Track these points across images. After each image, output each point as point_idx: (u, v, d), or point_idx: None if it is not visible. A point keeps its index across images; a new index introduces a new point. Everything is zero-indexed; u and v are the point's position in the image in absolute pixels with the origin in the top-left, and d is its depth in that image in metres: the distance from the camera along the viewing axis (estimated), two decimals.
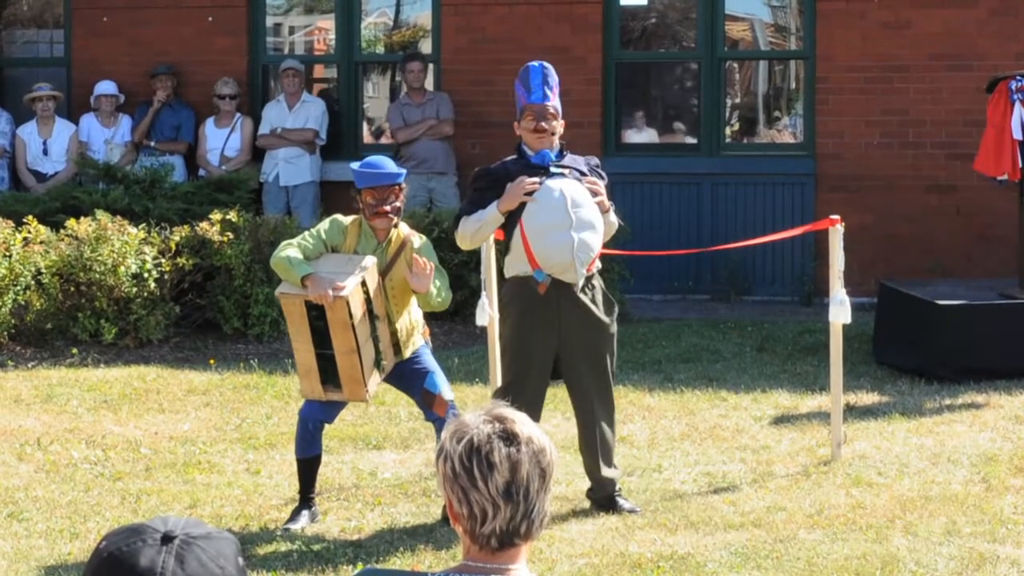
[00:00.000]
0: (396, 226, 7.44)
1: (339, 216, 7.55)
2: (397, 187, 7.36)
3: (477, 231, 7.53)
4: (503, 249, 7.62)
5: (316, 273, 7.16)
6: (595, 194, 7.47)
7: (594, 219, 7.43)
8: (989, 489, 7.86)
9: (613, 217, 7.68)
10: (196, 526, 2.40)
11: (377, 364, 7.35)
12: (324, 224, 7.49)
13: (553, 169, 7.46)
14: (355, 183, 7.41)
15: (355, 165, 7.54)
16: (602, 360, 7.60)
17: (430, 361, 7.55)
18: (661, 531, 7.26)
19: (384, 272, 7.39)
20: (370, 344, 7.29)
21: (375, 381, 7.38)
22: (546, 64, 7.61)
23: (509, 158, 7.63)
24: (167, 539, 2.35)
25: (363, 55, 14.64)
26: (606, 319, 7.57)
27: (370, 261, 7.28)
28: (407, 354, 7.50)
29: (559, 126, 7.55)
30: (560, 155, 7.56)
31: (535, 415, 7.39)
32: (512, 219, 7.42)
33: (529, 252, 7.37)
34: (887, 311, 10.98)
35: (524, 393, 7.28)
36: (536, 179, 7.38)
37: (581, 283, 7.43)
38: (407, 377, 7.52)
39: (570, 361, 7.57)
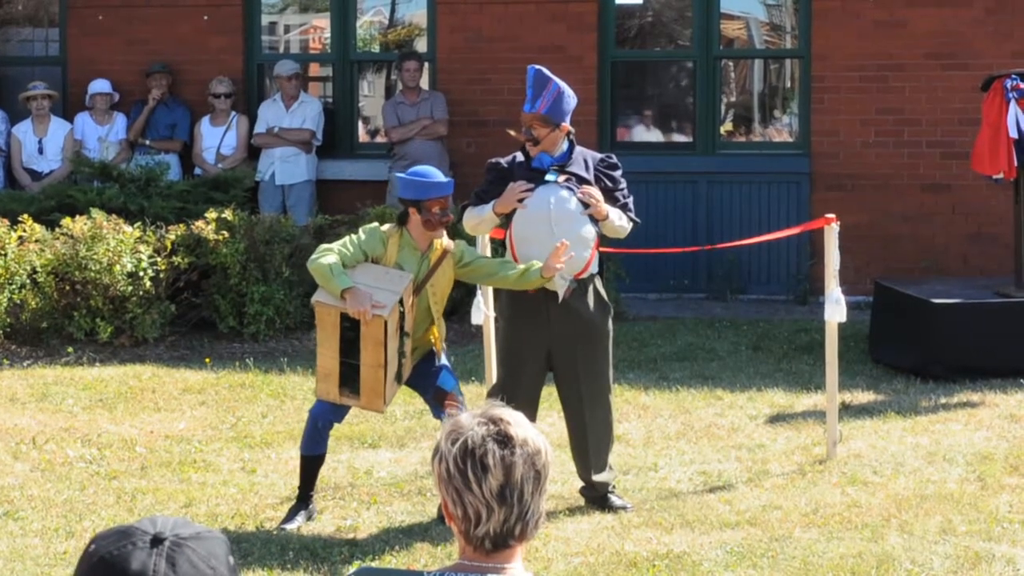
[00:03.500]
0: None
1: (378, 225, 7.50)
2: (447, 199, 7.41)
3: (476, 225, 7.70)
4: (502, 247, 7.67)
5: (356, 287, 7.13)
6: (588, 205, 7.47)
7: (583, 233, 7.46)
8: (984, 488, 7.86)
9: (618, 221, 7.64)
10: (185, 526, 2.39)
11: (398, 376, 7.36)
12: (363, 233, 7.40)
13: (549, 176, 7.46)
14: (412, 194, 7.31)
15: (403, 175, 7.51)
16: (595, 362, 7.60)
17: (443, 360, 7.57)
18: (657, 530, 7.26)
19: (426, 279, 7.38)
20: (396, 359, 7.30)
21: (392, 393, 7.41)
22: (540, 68, 7.58)
23: (519, 152, 7.66)
24: (157, 541, 2.35)
25: (359, 54, 14.63)
26: (597, 320, 7.58)
27: (407, 279, 7.26)
28: (425, 347, 7.52)
29: (551, 133, 7.51)
30: (567, 155, 7.55)
31: (530, 416, 7.38)
32: (508, 220, 7.50)
33: (515, 258, 7.44)
34: (883, 310, 10.98)
35: (517, 395, 7.29)
36: (529, 186, 7.40)
37: (562, 295, 7.45)
38: (420, 374, 7.53)
39: (561, 363, 7.58)
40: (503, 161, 7.65)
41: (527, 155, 7.58)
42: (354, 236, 7.41)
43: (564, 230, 7.40)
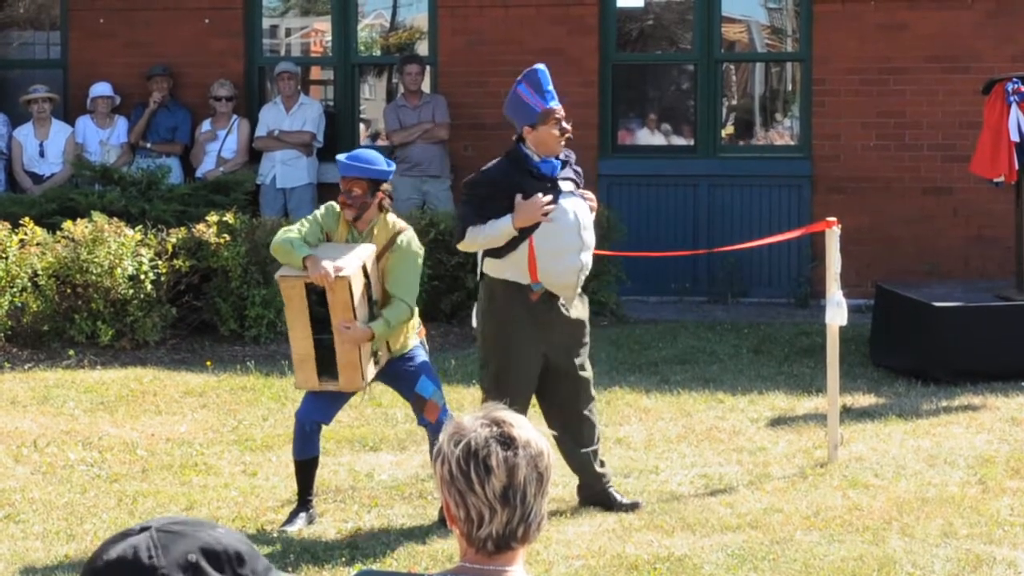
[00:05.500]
0: (359, 218, 7.39)
1: (334, 203, 7.57)
2: (361, 180, 7.33)
3: (488, 242, 7.45)
4: (492, 252, 7.54)
5: (315, 254, 7.16)
6: (592, 209, 7.58)
7: (593, 238, 7.59)
8: (985, 491, 7.86)
9: None
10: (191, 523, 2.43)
11: (373, 352, 7.32)
12: (320, 209, 7.54)
13: (561, 183, 7.46)
14: None
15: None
16: (585, 356, 7.70)
17: (424, 362, 7.53)
18: (658, 533, 7.26)
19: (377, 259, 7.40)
20: None
21: (371, 370, 7.33)
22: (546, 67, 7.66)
23: (504, 161, 7.53)
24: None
25: (360, 57, 14.63)
26: (585, 315, 7.72)
27: (370, 248, 7.29)
28: (397, 347, 7.47)
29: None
30: (562, 163, 7.56)
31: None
32: (521, 233, 7.39)
33: (533, 268, 7.39)
34: (884, 313, 10.98)
35: (514, 398, 7.27)
36: (550, 199, 7.37)
37: (570, 305, 7.51)
38: (400, 377, 7.51)
39: (559, 364, 7.58)
40: (495, 172, 7.51)
41: (524, 159, 7.50)
42: (311, 215, 7.52)
43: (589, 238, 7.50)
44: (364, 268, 7.22)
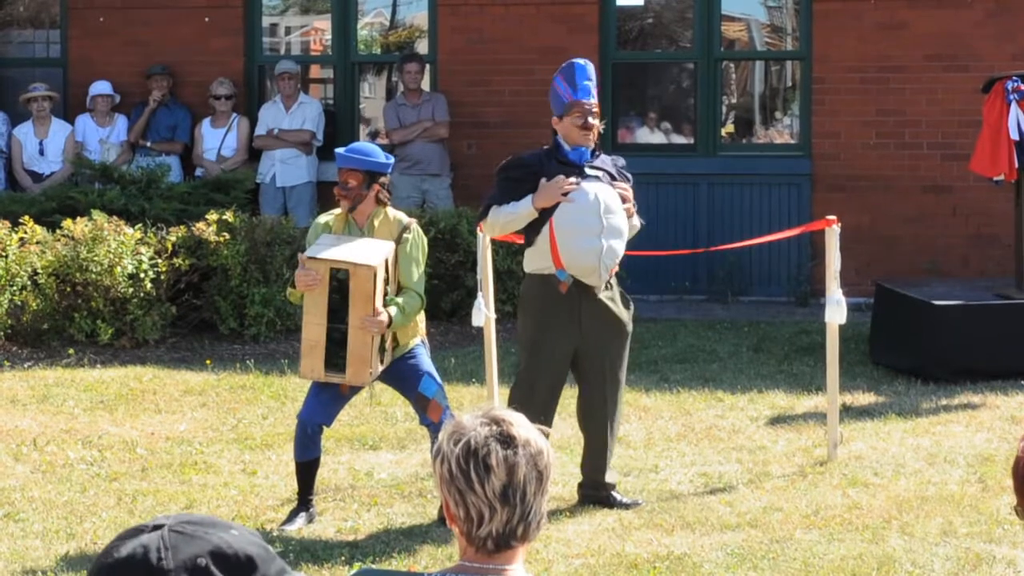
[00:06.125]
0: (355, 209, 7.40)
1: (320, 216, 7.60)
2: (357, 172, 7.35)
3: (508, 222, 7.52)
4: (526, 243, 7.60)
5: (339, 243, 7.21)
6: (624, 200, 7.56)
7: (622, 226, 7.55)
8: (985, 489, 7.86)
9: (636, 220, 7.77)
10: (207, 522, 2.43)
11: (381, 348, 7.31)
12: (309, 234, 7.60)
13: (588, 170, 7.50)
14: None
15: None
16: (619, 360, 7.65)
17: (425, 362, 7.52)
18: (657, 531, 7.26)
19: None
20: None
21: (378, 367, 7.33)
22: (589, 62, 7.68)
23: (542, 148, 7.64)
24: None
25: (359, 55, 14.63)
26: (625, 317, 7.63)
27: (391, 246, 7.28)
28: (403, 342, 7.47)
29: (600, 124, 7.65)
30: (594, 154, 7.60)
31: (549, 415, 7.42)
32: (542, 216, 7.43)
33: (555, 251, 7.40)
34: (883, 311, 10.98)
35: (538, 392, 7.29)
36: (573, 180, 7.40)
37: (603, 287, 7.49)
38: (402, 377, 7.50)
39: (588, 361, 7.57)
40: (527, 157, 7.63)
41: (558, 148, 7.54)
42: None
43: (612, 221, 7.46)
44: (387, 263, 7.23)
